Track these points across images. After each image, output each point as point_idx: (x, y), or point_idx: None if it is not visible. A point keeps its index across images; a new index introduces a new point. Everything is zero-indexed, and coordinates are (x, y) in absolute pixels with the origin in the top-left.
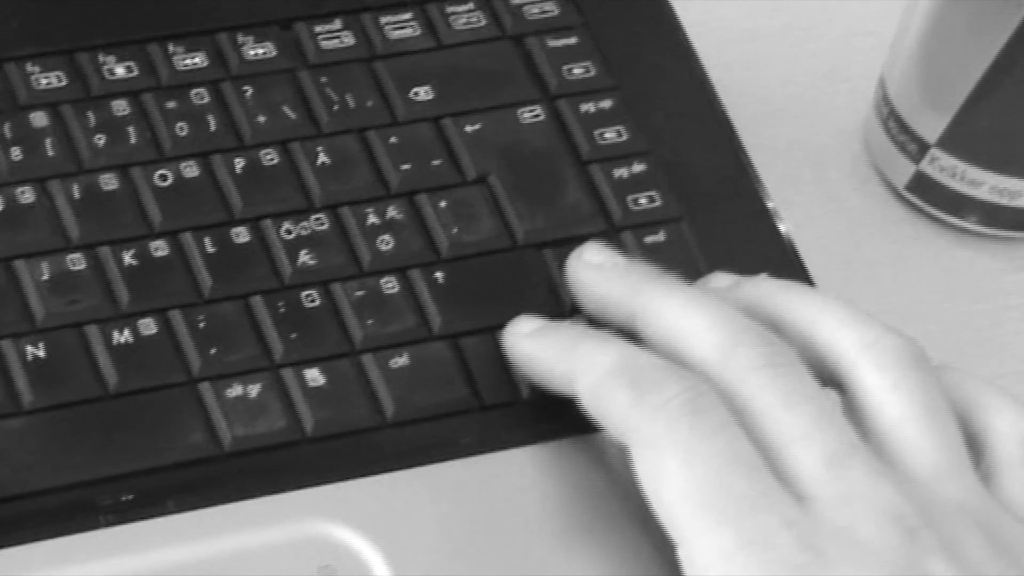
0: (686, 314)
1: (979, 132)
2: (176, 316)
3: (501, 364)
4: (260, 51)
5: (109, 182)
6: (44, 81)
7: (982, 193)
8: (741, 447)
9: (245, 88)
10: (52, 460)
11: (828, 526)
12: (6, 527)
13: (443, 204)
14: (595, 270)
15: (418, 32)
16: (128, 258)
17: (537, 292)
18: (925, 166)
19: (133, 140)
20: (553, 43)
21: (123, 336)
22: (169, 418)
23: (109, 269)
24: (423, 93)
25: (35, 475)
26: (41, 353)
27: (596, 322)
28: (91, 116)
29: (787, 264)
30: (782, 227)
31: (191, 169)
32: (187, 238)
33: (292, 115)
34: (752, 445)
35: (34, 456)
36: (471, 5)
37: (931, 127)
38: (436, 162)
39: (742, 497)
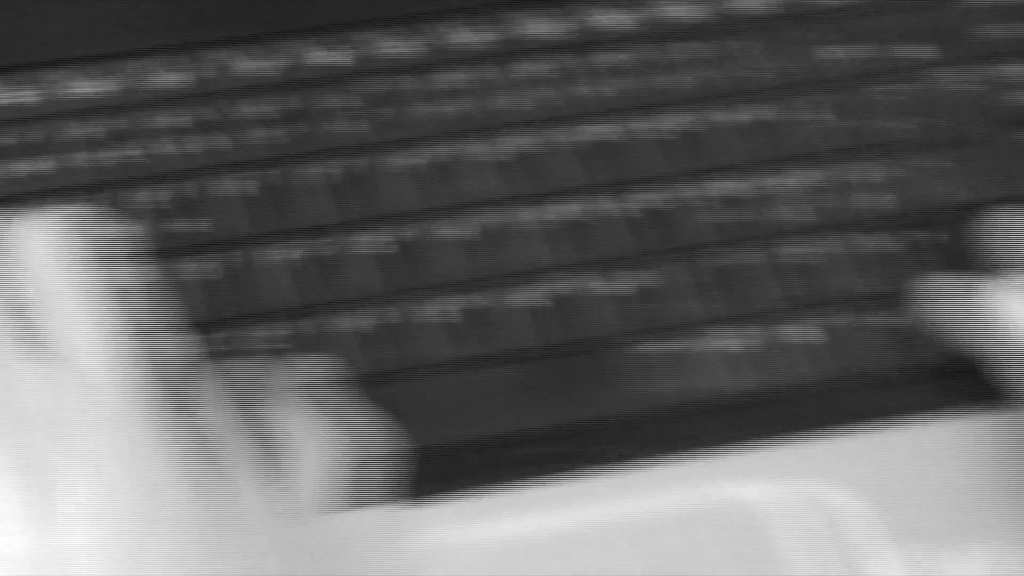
0: None
1: None
2: (670, 269)
3: None
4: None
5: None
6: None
7: None
8: None
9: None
10: (495, 411)
11: None
12: (450, 475)
13: None
14: None
15: None
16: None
17: None
18: None
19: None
20: None
21: (561, 289)
22: (609, 374)
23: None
24: None
25: (460, 428)
26: (475, 305)
27: None
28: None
29: None
30: None
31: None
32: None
33: None
34: None
35: (461, 410)
36: None
37: None
38: None
39: None
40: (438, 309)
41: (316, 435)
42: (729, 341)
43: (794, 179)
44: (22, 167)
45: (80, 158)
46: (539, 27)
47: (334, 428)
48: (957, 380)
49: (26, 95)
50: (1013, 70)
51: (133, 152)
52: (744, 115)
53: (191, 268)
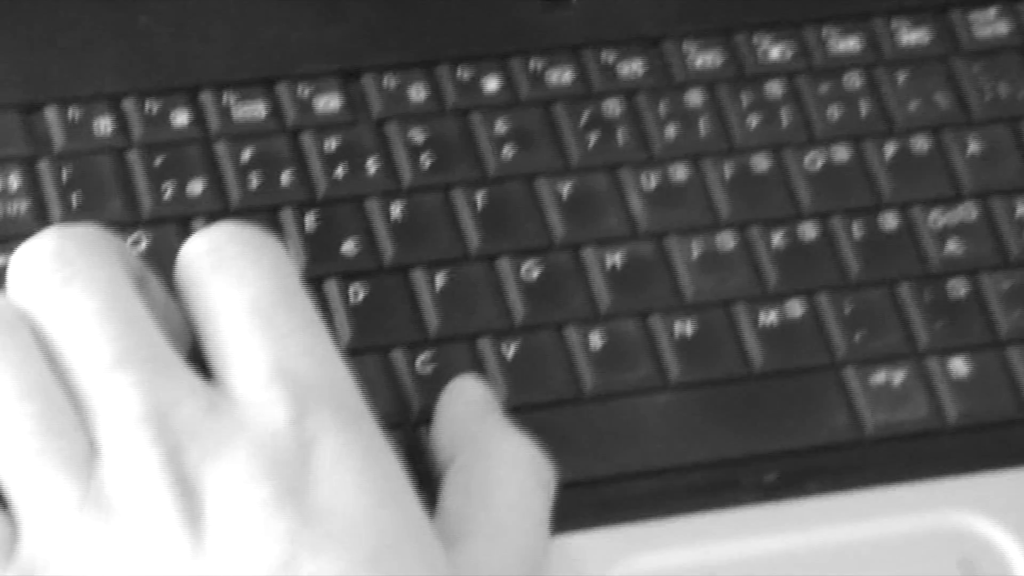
0: None
1: None
2: (822, 299)
3: None
4: (914, 37)
5: (760, 163)
6: (700, 60)
7: None
8: None
9: (897, 74)
10: (696, 436)
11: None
12: (649, 502)
13: None
14: None
15: None
16: (777, 239)
17: None
18: None
19: (785, 122)
20: None
21: (769, 317)
22: (811, 401)
23: (758, 249)
24: None
25: (679, 450)
26: (689, 330)
27: None
28: (744, 97)
29: None
30: None
31: (840, 153)
32: (835, 222)
33: (943, 102)
34: None
35: (678, 431)
36: None
37: None
38: None
39: None
40: (586, 337)
41: (524, 456)
42: (950, 366)
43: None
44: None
45: (231, 180)
46: (770, 51)
47: (539, 451)
48: None
49: (181, 119)
50: None
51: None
52: (974, 142)
53: (336, 291)
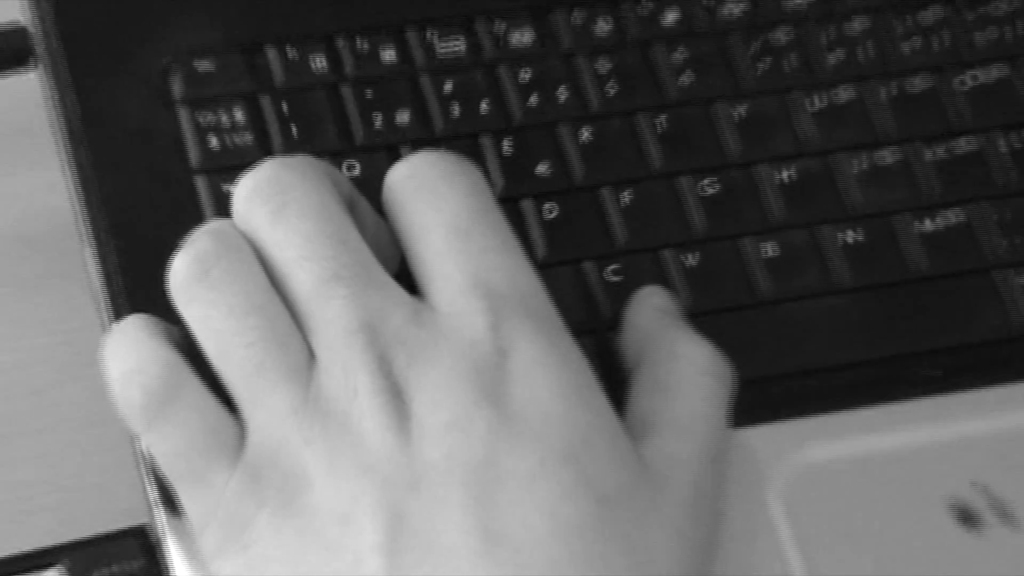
0: None
1: None
2: (980, 208)
3: None
4: None
5: (917, 84)
6: None
7: None
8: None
9: None
10: (865, 336)
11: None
12: (819, 396)
13: None
14: None
15: None
16: (936, 153)
17: None
18: None
19: (938, 46)
20: None
21: (930, 224)
22: (968, 301)
23: (920, 165)
24: None
25: (849, 349)
26: (861, 238)
27: None
28: (899, 24)
29: None
30: None
31: (994, 73)
32: (994, 137)
33: None
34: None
35: (848, 332)
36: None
37: None
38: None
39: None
40: (760, 247)
41: (705, 357)
42: None
43: None
44: (399, 118)
45: (434, 110)
46: None
47: (718, 353)
48: None
49: (389, 55)
50: None
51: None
52: None
53: (532, 209)
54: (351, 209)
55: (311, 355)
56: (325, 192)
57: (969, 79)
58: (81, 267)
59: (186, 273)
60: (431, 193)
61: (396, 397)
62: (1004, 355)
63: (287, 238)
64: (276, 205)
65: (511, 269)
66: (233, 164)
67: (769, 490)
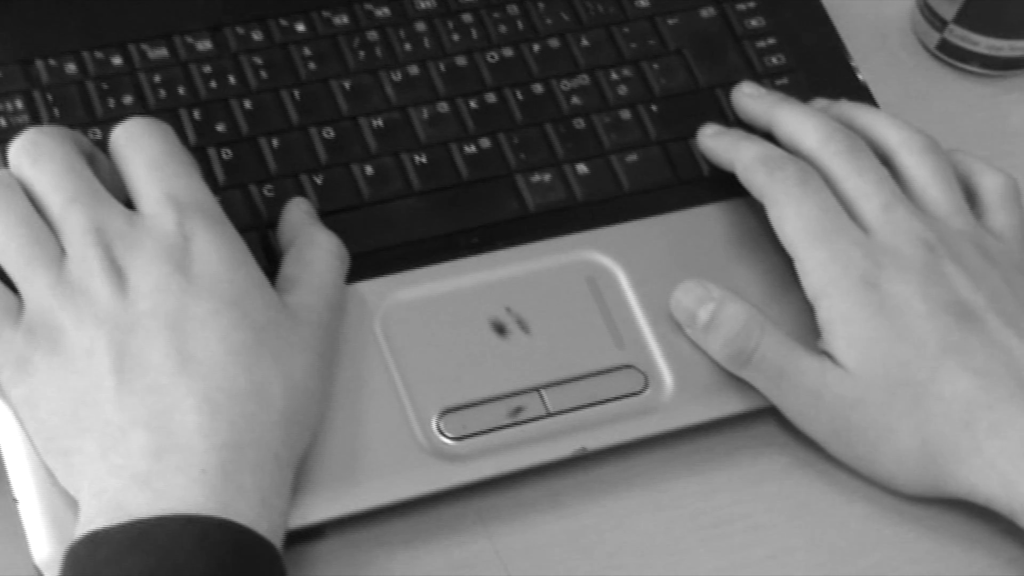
0: (800, 121)
1: (978, 11)
2: (501, 137)
3: (692, 154)
4: None
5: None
6: None
7: (980, 49)
8: (831, 200)
9: None
10: (431, 221)
11: (882, 247)
12: (404, 260)
13: (655, 66)
14: (748, 97)
15: None
16: (472, 104)
17: (711, 114)
18: (946, 35)
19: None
20: None
21: (471, 148)
22: (497, 195)
23: (464, 111)
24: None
25: (422, 229)
26: (425, 160)
27: (749, 127)
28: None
29: (864, 97)
30: (860, 76)
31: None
32: (507, 92)
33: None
34: (836, 199)
35: (421, 219)
36: None
37: (948, 10)
38: (651, 41)
39: (831, 229)
40: (363, 167)
41: (331, 242)
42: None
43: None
44: (125, 100)
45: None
46: None
47: (339, 239)
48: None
49: (116, 60)
50: None
51: None
52: None
53: (214, 154)
54: (91, 160)
55: (62, 251)
56: (68, 146)
57: (494, 55)
58: None
59: None
60: (136, 141)
61: (118, 273)
62: (523, 227)
63: (43, 176)
64: (35, 155)
65: (192, 187)
66: (11, 136)
67: (374, 321)
